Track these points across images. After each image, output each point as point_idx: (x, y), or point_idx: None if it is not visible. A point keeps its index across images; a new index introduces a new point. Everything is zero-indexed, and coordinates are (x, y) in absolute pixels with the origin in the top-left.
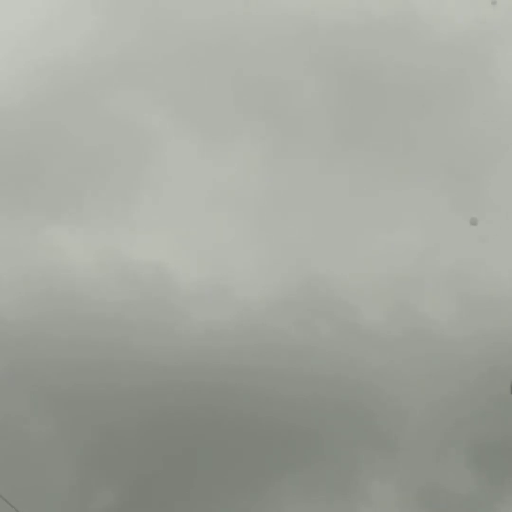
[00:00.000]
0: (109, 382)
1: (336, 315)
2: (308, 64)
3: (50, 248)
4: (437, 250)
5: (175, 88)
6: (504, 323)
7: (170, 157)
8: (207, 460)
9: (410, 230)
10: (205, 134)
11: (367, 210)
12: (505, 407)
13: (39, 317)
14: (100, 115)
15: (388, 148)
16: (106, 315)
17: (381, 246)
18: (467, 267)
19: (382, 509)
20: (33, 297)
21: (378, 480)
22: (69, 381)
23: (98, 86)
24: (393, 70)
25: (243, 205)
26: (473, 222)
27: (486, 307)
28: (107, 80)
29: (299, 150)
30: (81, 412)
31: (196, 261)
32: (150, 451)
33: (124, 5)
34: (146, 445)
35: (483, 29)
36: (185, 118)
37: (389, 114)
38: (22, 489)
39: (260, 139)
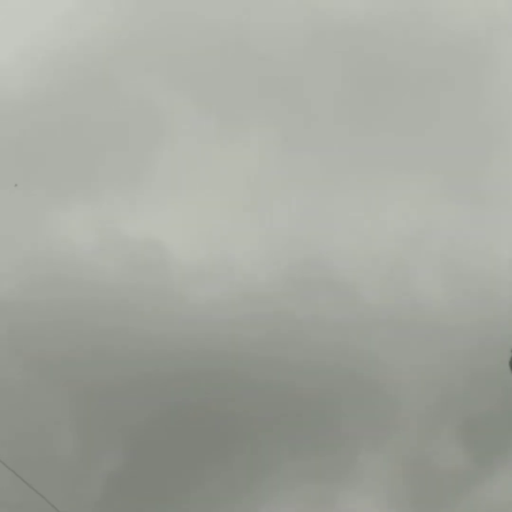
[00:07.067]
0: (115, 367)
1: (336, 294)
2: (323, 56)
3: (54, 230)
4: (433, 231)
5: (190, 73)
6: (496, 301)
7: (181, 140)
8: (212, 427)
9: (406, 212)
10: (214, 117)
11: (370, 194)
12: (495, 384)
13: (42, 301)
14: (113, 98)
15: (391, 137)
16: (108, 300)
17: (381, 228)
18: (461, 246)
19: (371, 479)
20: (37, 281)
21: (369, 453)
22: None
23: (114, 71)
24: (399, 69)
25: (247, 187)
26: None
27: (480, 288)
28: (123, 66)
29: (307, 137)
30: (86, 383)
31: (202, 241)
32: (157, 418)
33: None
34: (153, 412)
35: (490, 27)
36: (196, 102)
37: (391, 106)
38: (29, 455)
39: (268, 126)
